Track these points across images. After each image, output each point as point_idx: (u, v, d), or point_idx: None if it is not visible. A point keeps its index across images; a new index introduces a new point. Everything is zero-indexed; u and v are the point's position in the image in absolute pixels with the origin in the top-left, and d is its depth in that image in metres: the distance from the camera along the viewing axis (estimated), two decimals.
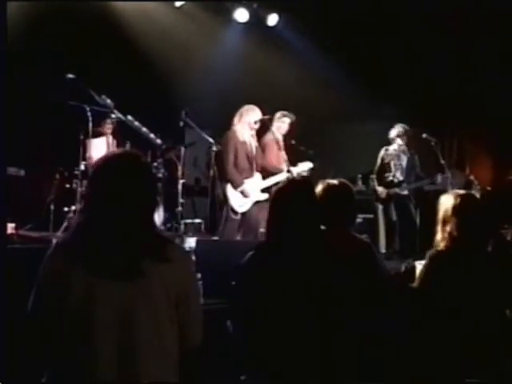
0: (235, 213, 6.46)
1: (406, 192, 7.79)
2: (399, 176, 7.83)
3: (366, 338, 3.11)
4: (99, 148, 7.52)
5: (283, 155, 7.23)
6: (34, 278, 2.27)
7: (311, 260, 2.80)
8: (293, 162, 6.85)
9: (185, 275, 2.38)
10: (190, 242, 5.30)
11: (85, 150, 7.05)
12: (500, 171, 8.84)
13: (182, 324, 2.34)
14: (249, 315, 2.80)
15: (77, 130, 7.14)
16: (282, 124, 7.44)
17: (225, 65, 8.89)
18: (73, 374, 2.20)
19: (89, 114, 6.77)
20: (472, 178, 8.35)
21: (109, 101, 6.83)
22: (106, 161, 2.40)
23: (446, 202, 3.39)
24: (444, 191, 3.64)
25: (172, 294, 2.29)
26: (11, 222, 5.86)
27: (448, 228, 3.32)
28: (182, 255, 2.44)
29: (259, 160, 6.71)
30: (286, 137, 7.41)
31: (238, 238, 6.52)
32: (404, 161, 7.88)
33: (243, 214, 6.50)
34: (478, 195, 3.83)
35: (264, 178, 6.68)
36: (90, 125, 6.83)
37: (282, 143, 7.36)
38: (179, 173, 8.02)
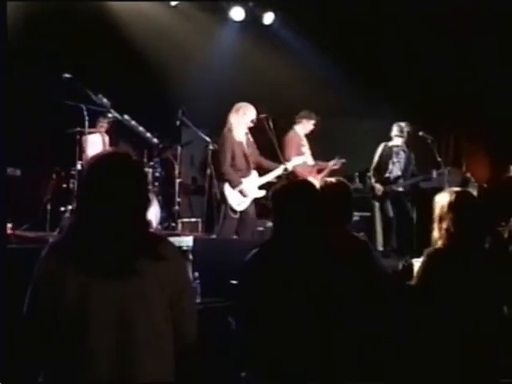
0: (234, 211, 6.46)
1: (401, 188, 7.81)
2: (396, 172, 7.85)
3: (364, 337, 3.12)
4: (95, 145, 7.53)
5: (304, 153, 7.44)
6: (30, 278, 2.27)
7: (311, 259, 2.81)
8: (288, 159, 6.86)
9: (179, 273, 2.39)
10: (187, 241, 5.29)
11: (81, 150, 7.04)
12: (496, 169, 8.85)
13: (177, 322, 2.34)
14: (250, 313, 2.81)
15: (73, 129, 7.14)
16: (306, 124, 7.66)
17: (221, 63, 8.88)
18: (69, 374, 2.20)
19: (85, 113, 6.77)
20: (469, 175, 8.37)
21: (105, 100, 6.82)
22: (97, 161, 2.40)
23: (442, 200, 3.39)
24: (441, 189, 3.65)
25: (167, 293, 2.29)
26: (8, 222, 5.85)
27: (444, 225, 3.32)
28: (176, 253, 2.44)
29: (254, 158, 6.71)
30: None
31: (235, 236, 6.52)
32: (402, 158, 7.90)
33: (241, 212, 6.50)
34: (474, 192, 3.82)
35: (260, 174, 6.69)
36: (87, 124, 6.83)
37: (303, 141, 7.60)
38: (176, 172, 8.03)
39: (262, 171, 6.74)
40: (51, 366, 2.26)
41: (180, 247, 4.50)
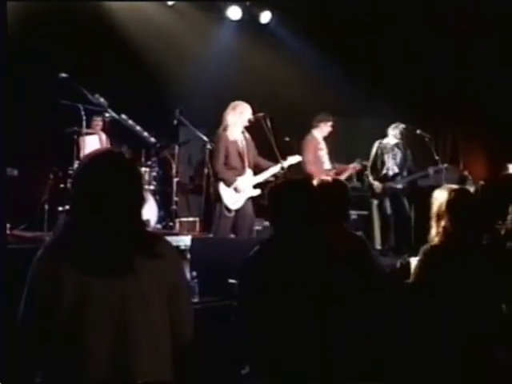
0: (229, 210, 6.46)
1: (400, 186, 7.82)
2: (393, 169, 7.86)
3: (364, 336, 3.12)
4: (92, 145, 7.51)
5: (322, 156, 7.51)
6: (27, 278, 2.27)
7: (311, 257, 2.81)
8: (285, 158, 6.86)
9: (176, 272, 2.39)
10: (185, 241, 5.29)
11: (78, 150, 7.04)
12: (494, 167, 8.85)
13: (174, 321, 2.34)
14: (251, 311, 2.81)
15: (71, 128, 7.13)
16: (324, 127, 7.79)
17: (218, 63, 8.88)
18: (67, 374, 2.20)
19: (82, 113, 6.76)
20: (466, 173, 8.37)
21: (102, 99, 6.82)
22: (91, 160, 2.40)
23: (440, 197, 3.39)
24: (438, 187, 3.65)
25: (164, 291, 2.29)
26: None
27: (442, 223, 3.32)
28: (172, 252, 2.45)
29: (252, 158, 6.71)
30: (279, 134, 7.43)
31: (233, 235, 6.52)
32: (398, 154, 7.91)
33: (237, 211, 6.49)
34: (472, 190, 3.83)
35: (257, 174, 6.69)
36: (84, 124, 6.82)
37: (321, 144, 7.72)
38: (173, 171, 8.03)
39: (259, 171, 6.73)
40: (49, 366, 2.26)
41: (178, 246, 4.49)
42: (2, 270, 2.82)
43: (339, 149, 8.30)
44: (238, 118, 6.57)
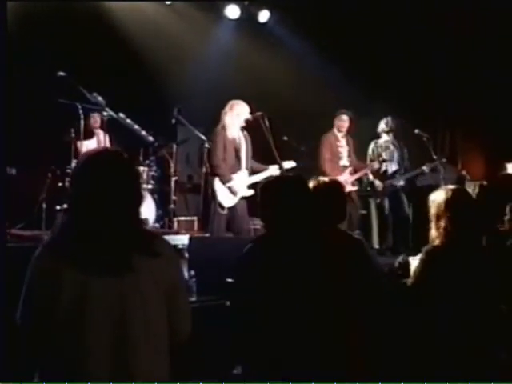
0: (222, 207, 6.45)
1: (399, 183, 7.83)
2: (392, 168, 7.88)
3: (363, 335, 3.12)
4: (90, 144, 7.50)
5: (340, 153, 7.57)
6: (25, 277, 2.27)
7: (305, 256, 2.79)
8: (283, 158, 6.85)
9: (174, 270, 2.39)
10: (183, 239, 5.29)
11: (76, 148, 7.03)
12: (492, 166, 8.86)
13: (172, 319, 2.33)
14: (246, 310, 2.79)
15: (69, 127, 7.13)
16: (339, 121, 7.79)
17: (217, 62, 8.88)
18: (66, 373, 2.19)
19: (80, 111, 6.76)
20: (464, 172, 8.38)
21: (100, 98, 6.82)
22: (88, 159, 2.39)
23: (439, 198, 3.39)
24: (437, 186, 3.66)
25: (162, 290, 2.29)
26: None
27: (442, 224, 3.32)
28: (170, 251, 2.44)
29: (249, 159, 6.70)
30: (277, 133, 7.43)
31: (230, 234, 6.52)
32: (394, 152, 7.92)
33: (230, 208, 6.48)
34: (470, 190, 3.83)
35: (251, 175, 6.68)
36: (82, 123, 6.82)
37: (341, 141, 7.75)
38: (172, 170, 8.03)
39: (254, 173, 6.71)
40: (48, 366, 2.26)
41: (176, 245, 4.50)
42: (2, 270, 2.82)
43: None
44: (235, 118, 6.56)
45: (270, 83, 8.82)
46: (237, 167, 6.57)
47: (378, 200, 7.94)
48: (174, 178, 7.99)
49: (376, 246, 7.86)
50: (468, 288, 3.21)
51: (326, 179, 3.63)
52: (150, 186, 7.73)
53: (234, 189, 6.43)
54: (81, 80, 6.61)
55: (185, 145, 8.54)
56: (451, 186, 3.56)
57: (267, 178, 6.58)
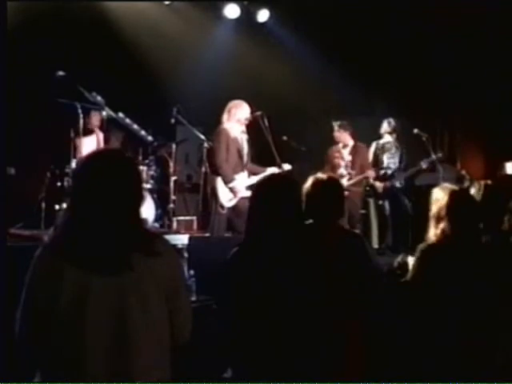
0: (222, 207, 6.45)
1: (399, 184, 7.83)
2: (392, 168, 7.88)
3: (361, 334, 3.12)
4: (90, 144, 7.50)
5: (339, 164, 7.69)
6: (25, 277, 2.26)
7: (288, 258, 2.73)
8: (283, 158, 6.85)
9: (174, 270, 2.38)
10: (183, 239, 5.29)
11: (75, 148, 7.03)
12: (491, 165, 8.87)
13: (172, 319, 2.34)
14: (232, 314, 2.75)
15: (68, 127, 7.12)
16: (334, 133, 7.87)
17: (216, 61, 8.87)
18: (66, 373, 2.20)
19: (80, 111, 6.75)
20: (463, 172, 8.38)
21: (99, 98, 6.82)
22: (90, 159, 2.40)
23: (441, 199, 3.38)
24: (436, 185, 3.64)
25: (162, 289, 2.29)
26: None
27: (442, 225, 3.31)
28: (170, 250, 2.44)
29: (249, 160, 6.71)
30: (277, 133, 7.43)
31: (229, 233, 6.52)
32: (395, 153, 7.93)
33: (230, 208, 6.48)
34: (475, 189, 3.82)
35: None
36: (81, 122, 6.81)
37: (341, 152, 7.82)
38: (171, 170, 8.03)
39: (253, 174, 6.71)
40: (49, 365, 2.26)
41: (175, 245, 4.49)
42: (2, 269, 2.82)
43: None
44: (236, 118, 6.56)
45: (270, 83, 8.82)
46: (239, 167, 6.57)
47: (380, 202, 7.95)
48: (173, 178, 7.98)
49: (375, 245, 7.86)
50: (464, 286, 3.20)
51: (323, 176, 3.63)
52: (149, 186, 7.72)
53: (236, 189, 6.43)
54: (80, 79, 6.61)
55: (184, 144, 8.54)
56: (454, 187, 3.55)
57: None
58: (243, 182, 6.52)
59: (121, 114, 7.25)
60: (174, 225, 7.85)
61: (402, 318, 3.48)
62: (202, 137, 7.20)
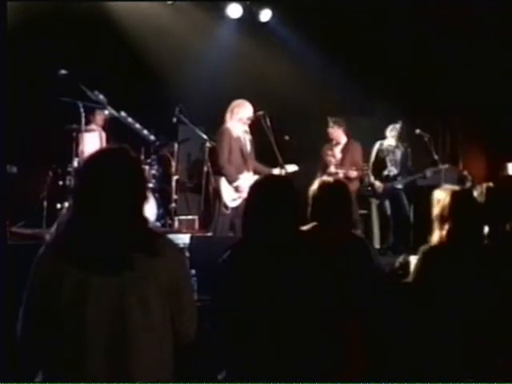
0: (226, 207, 6.45)
1: (400, 186, 7.82)
2: (394, 170, 7.87)
3: (363, 335, 3.11)
4: (92, 143, 7.51)
5: (329, 162, 7.70)
6: (27, 275, 2.27)
7: (284, 259, 2.71)
8: (285, 158, 6.85)
9: (176, 270, 2.35)
10: (184, 239, 5.29)
11: (77, 147, 7.03)
12: (493, 166, 8.86)
13: (175, 319, 2.33)
14: (230, 316, 2.73)
15: (70, 126, 7.13)
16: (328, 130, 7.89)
17: (218, 61, 8.87)
18: (66, 373, 2.19)
19: (82, 110, 6.75)
20: (465, 173, 8.37)
21: (102, 97, 6.82)
22: (94, 157, 2.39)
23: (443, 200, 3.37)
24: (437, 186, 3.64)
25: (164, 289, 2.27)
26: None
27: (446, 226, 3.31)
28: (174, 250, 2.43)
29: (253, 160, 6.70)
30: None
31: (231, 232, 6.51)
32: (398, 155, 7.92)
33: (234, 209, 6.48)
34: (477, 192, 3.82)
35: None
36: (83, 121, 6.82)
37: (333, 150, 7.85)
38: (173, 169, 8.03)
39: (257, 174, 6.70)
40: (49, 365, 2.26)
41: (176, 245, 4.48)
42: (3, 269, 2.82)
43: None
44: (239, 117, 6.56)
45: (272, 82, 8.81)
46: (243, 167, 6.56)
47: (378, 202, 7.94)
48: (175, 177, 7.98)
49: (377, 245, 7.86)
50: (466, 287, 3.20)
51: (330, 179, 3.63)
52: (151, 185, 7.72)
53: (241, 188, 6.42)
54: (82, 78, 6.61)
55: (186, 144, 8.54)
56: (456, 187, 3.54)
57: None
58: (247, 182, 6.52)
59: (123, 113, 7.26)
60: (176, 224, 7.86)
61: (403, 319, 3.47)
62: (204, 136, 7.20)
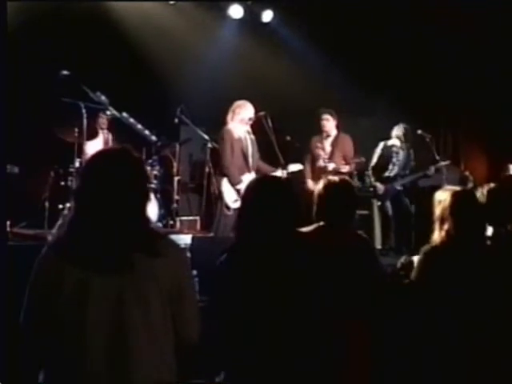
0: (228, 208, 6.45)
1: (400, 186, 7.80)
2: (396, 171, 7.84)
3: (364, 336, 3.11)
4: (95, 143, 7.51)
5: (318, 155, 7.58)
6: (28, 276, 2.27)
7: (282, 259, 2.71)
8: (287, 158, 6.84)
9: (178, 271, 2.34)
10: (185, 239, 5.29)
11: (80, 147, 7.03)
12: (495, 167, 8.85)
13: (177, 321, 2.32)
14: (228, 319, 2.71)
15: (72, 126, 7.14)
16: (320, 121, 7.74)
17: (219, 61, 8.87)
18: (68, 373, 2.19)
19: (83, 111, 6.75)
20: (467, 173, 8.37)
21: (103, 97, 6.82)
22: (97, 158, 2.39)
23: (444, 201, 3.38)
24: (439, 187, 3.64)
25: (165, 290, 2.27)
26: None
27: (446, 226, 3.31)
28: (176, 251, 2.42)
29: (256, 161, 6.69)
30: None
31: (232, 233, 6.49)
32: (401, 156, 7.87)
33: (236, 210, 6.47)
34: (477, 193, 3.82)
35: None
36: (85, 122, 6.82)
37: (323, 143, 7.70)
38: (174, 170, 8.04)
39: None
40: (50, 366, 2.26)
41: (179, 245, 4.48)
42: (4, 269, 2.82)
43: None
44: (240, 118, 6.56)
45: (273, 83, 8.82)
46: (245, 168, 6.56)
47: (379, 203, 7.92)
48: (176, 178, 7.99)
49: (378, 246, 7.84)
50: (467, 287, 3.20)
51: (336, 179, 3.63)
52: (152, 186, 7.72)
53: (242, 189, 6.40)
54: (84, 79, 6.61)
55: (188, 144, 8.54)
56: (457, 188, 3.55)
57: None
58: None
59: (125, 114, 7.25)
60: (177, 225, 7.86)
61: (404, 319, 3.47)
62: (206, 137, 7.20)
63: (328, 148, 7.72)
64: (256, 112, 6.63)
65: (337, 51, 8.90)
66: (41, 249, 2.31)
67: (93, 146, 7.37)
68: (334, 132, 7.76)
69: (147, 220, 2.37)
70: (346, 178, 3.88)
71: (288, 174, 6.77)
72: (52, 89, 6.72)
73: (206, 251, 4.73)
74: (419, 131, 7.84)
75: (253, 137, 6.71)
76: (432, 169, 7.67)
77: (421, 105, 9.05)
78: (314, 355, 2.66)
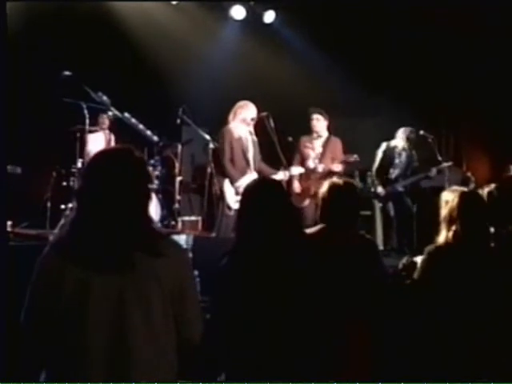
0: (230, 209, 6.44)
1: (402, 188, 7.79)
2: (397, 173, 7.82)
3: (367, 336, 3.10)
4: (97, 143, 7.52)
5: (307, 156, 7.37)
6: (30, 276, 2.27)
7: (281, 260, 2.71)
8: (289, 159, 6.84)
9: (179, 271, 2.34)
10: (187, 239, 5.29)
11: (82, 148, 7.04)
12: (497, 168, 8.84)
13: (179, 321, 2.32)
14: (229, 322, 2.71)
15: (74, 127, 7.15)
16: (311, 121, 7.51)
17: (222, 62, 8.88)
18: (68, 373, 2.19)
19: (85, 111, 6.76)
20: (469, 174, 8.36)
21: (105, 98, 6.83)
22: (99, 158, 2.39)
23: (452, 201, 3.37)
24: (441, 188, 3.65)
25: (166, 290, 2.27)
26: (8, 219, 5.85)
27: (454, 227, 3.30)
28: (178, 251, 2.42)
29: (257, 162, 6.69)
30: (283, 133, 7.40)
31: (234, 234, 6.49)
32: (404, 157, 7.85)
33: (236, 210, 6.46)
34: (484, 193, 3.82)
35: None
36: (87, 122, 6.83)
37: (313, 144, 7.47)
38: (176, 170, 8.04)
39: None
40: (51, 365, 2.26)
41: (181, 246, 4.48)
42: (4, 269, 2.82)
43: None
44: (241, 119, 6.55)
45: (275, 83, 8.82)
46: (246, 169, 6.55)
47: (381, 204, 7.91)
48: (178, 178, 8.00)
49: (380, 247, 7.83)
50: (470, 288, 3.20)
51: (340, 181, 3.63)
52: (154, 186, 7.73)
53: (242, 190, 6.39)
54: (86, 80, 6.62)
55: (189, 145, 8.55)
56: (464, 189, 3.55)
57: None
58: None
59: (126, 114, 7.26)
60: (179, 225, 7.86)
61: (405, 319, 3.47)
62: (208, 137, 7.20)
63: (319, 149, 7.46)
64: (258, 112, 6.62)
65: (339, 52, 8.90)
66: (42, 249, 2.31)
67: (94, 141, 7.38)
68: (325, 133, 7.51)
69: (149, 220, 2.37)
70: (350, 179, 3.88)
71: (290, 176, 6.77)
72: (54, 89, 6.73)
73: (207, 251, 4.73)
74: (421, 132, 7.83)
75: (255, 138, 6.69)
76: (434, 170, 7.64)
77: (423, 106, 9.04)
78: (314, 355, 2.67)
